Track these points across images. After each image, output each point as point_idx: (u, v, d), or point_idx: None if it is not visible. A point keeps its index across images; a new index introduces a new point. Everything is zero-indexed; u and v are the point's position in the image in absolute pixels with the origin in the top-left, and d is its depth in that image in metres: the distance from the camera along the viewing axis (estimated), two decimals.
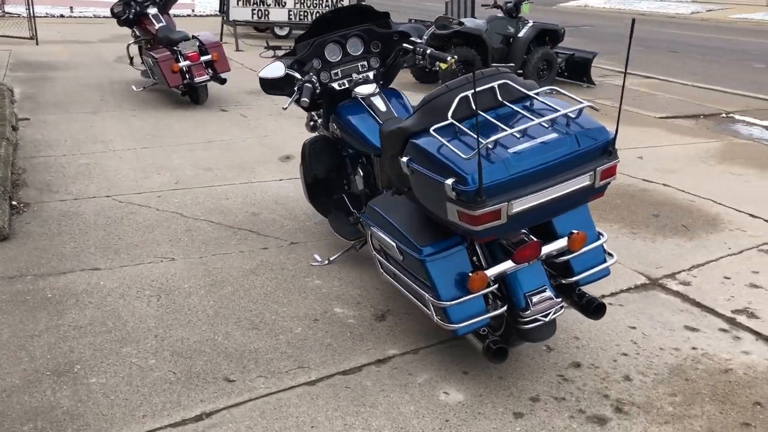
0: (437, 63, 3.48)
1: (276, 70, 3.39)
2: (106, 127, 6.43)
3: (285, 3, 11.85)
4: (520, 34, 8.73)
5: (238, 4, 11.66)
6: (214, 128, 6.53)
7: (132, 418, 2.48)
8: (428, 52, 3.50)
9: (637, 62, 11.08)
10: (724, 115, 8.05)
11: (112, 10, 7.88)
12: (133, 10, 7.73)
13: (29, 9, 11.47)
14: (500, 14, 8.94)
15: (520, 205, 2.29)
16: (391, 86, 3.74)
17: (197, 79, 7.09)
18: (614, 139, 2.44)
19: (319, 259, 3.75)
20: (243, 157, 5.62)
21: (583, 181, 2.39)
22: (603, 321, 3.00)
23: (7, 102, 6.60)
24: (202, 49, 7.12)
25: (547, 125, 2.39)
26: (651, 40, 14.80)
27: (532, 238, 2.60)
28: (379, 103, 3.46)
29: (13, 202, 4.40)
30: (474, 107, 2.34)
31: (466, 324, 2.47)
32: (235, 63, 9.21)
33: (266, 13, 11.86)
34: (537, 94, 2.54)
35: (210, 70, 7.17)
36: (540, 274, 2.59)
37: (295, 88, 3.39)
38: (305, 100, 3.32)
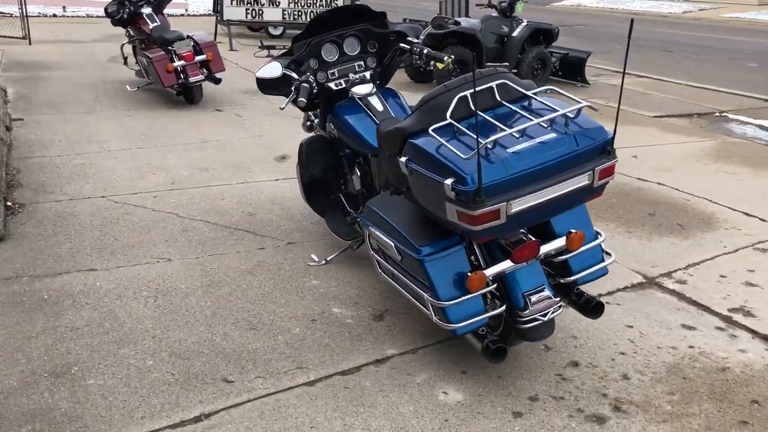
0: (433, 62, 3.49)
1: (273, 70, 3.39)
2: (100, 127, 6.40)
3: (279, 2, 11.82)
4: (515, 34, 8.74)
5: (231, 4, 11.61)
6: (209, 128, 6.52)
7: (131, 420, 2.47)
8: (425, 52, 3.50)
9: (631, 62, 10.99)
10: (717, 114, 8.09)
11: (106, 9, 7.83)
12: (127, 10, 7.68)
13: (22, 8, 11.39)
14: (494, 14, 8.94)
15: (519, 205, 2.29)
16: (387, 86, 3.75)
17: (192, 79, 7.06)
18: (613, 138, 2.45)
19: (316, 259, 3.75)
20: (238, 157, 5.60)
21: (581, 181, 2.40)
22: (600, 320, 3.01)
23: (0, 102, 6.56)
24: (197, 48, 7.09)
25: (545, 125, 2.39)
26: (644, 39, 14.84)
27: (531, 237, 2.60)
28: (376, 102, 3.46)
29: (8, 203, 4.37)
30: (473, 107, 2.34)
31: (464, 324, 2.47)
32: (229, 63, 9.18)
33: (260, 12, 11.83)
34: (535, 94, 2.54)
35: (205, 70, 7.14)
36: (538, 273, 2.60)
37: (292, 88, 3.39)
38: (302, 100, 3.33)
